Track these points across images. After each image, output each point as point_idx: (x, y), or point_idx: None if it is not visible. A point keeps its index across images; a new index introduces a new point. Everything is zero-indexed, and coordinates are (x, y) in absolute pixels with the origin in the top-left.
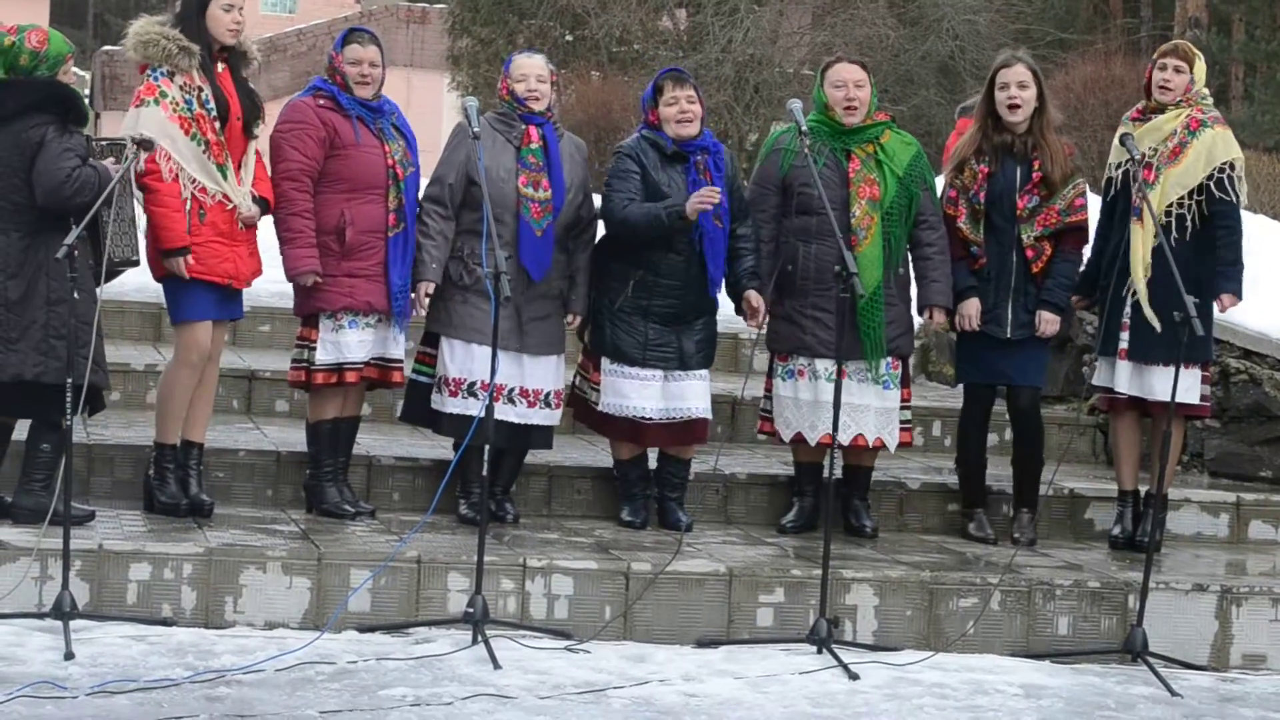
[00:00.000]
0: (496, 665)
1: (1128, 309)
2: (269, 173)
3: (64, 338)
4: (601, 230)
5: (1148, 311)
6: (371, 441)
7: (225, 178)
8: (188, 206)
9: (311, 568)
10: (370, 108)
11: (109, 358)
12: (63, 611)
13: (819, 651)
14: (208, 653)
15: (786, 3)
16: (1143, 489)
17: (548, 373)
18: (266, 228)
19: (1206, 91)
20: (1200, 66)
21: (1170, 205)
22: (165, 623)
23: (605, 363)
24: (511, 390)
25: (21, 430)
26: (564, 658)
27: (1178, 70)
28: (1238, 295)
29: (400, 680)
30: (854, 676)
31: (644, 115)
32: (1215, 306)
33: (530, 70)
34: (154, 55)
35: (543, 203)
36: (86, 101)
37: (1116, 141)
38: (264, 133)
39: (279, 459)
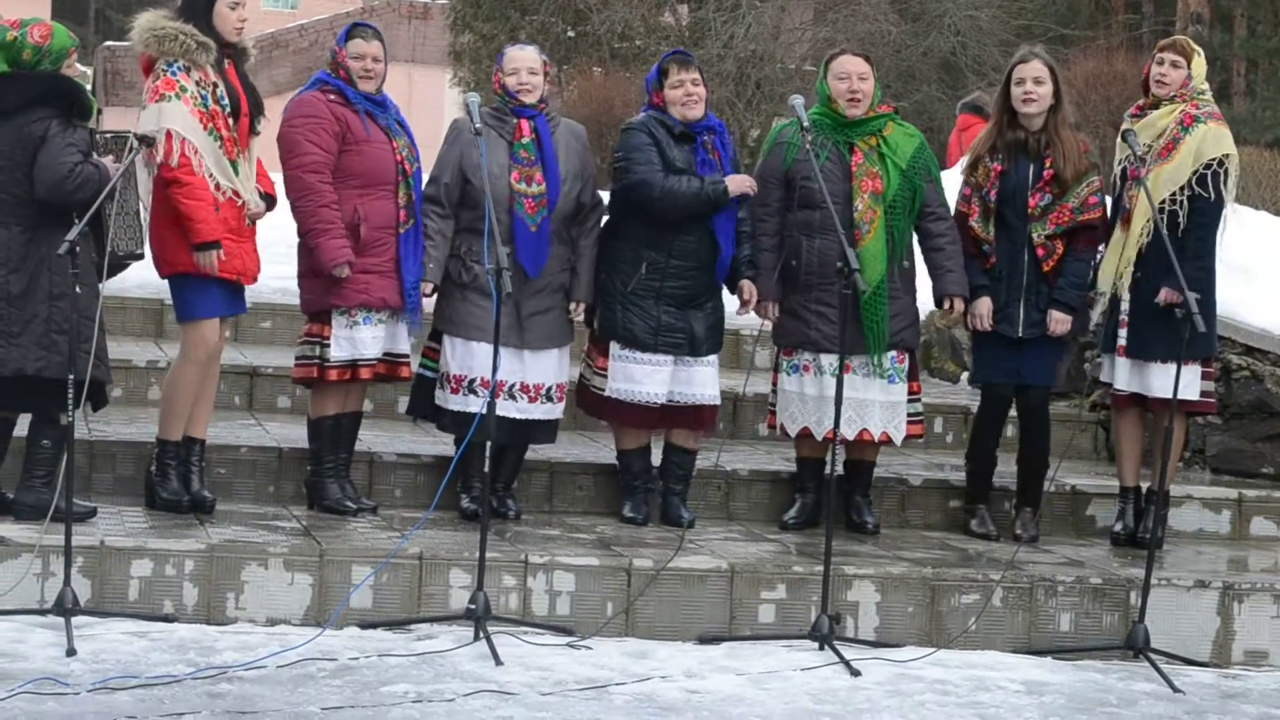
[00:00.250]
0: (498, 661)
1: (1125, 306)
2: (281, 166)
3: (66, 332)
4: (605, 217)
5: (1120, 302)
6: (373, 438)
7: (237, 173)
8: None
9: (313, 564)
10: (376, 102)
11: (111, 354)
12: (64, 608)
13: (821, 648)
14: (209, 649)
15: None
16: (1144, 485)
17: (549, 367)
18: (265, 226)
19: (1205, 87)
20: (1199, 62)
21: (1163, 202)
22: (167, 619)
23: (614, 348)
24: (512, 386)
25: (23, 426)
26: (566, 654)
27: (1174, 65)
28: (1180, 292)
29: (402, 677)
30: (856, 673)
31: (648, 97)
32: (1162, 295)
33: (521, 63)
34: (172, 50)
35: (536, 198)
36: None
37: (1119, 139)
38: (266, 128)
39: (281, 455)
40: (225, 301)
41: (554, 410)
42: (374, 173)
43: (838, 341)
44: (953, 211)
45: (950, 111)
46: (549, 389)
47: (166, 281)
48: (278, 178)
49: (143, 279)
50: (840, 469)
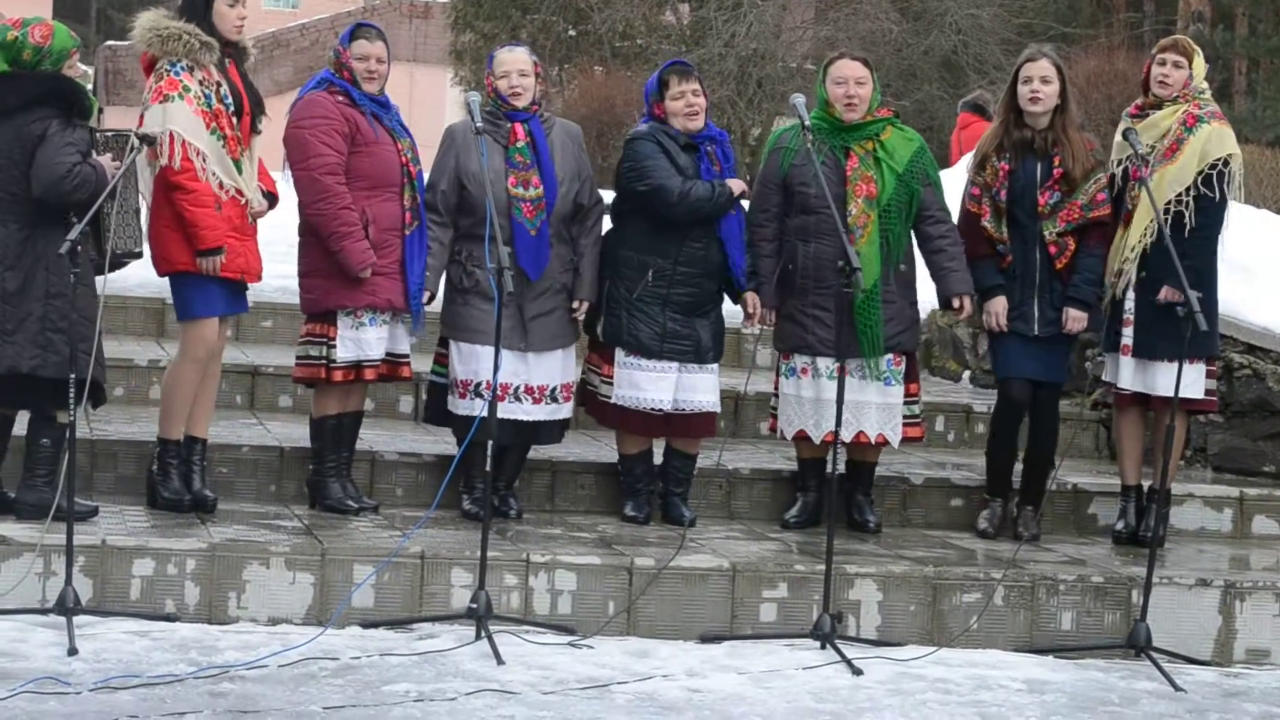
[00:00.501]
0: (500, 661)
1: (1129, 305)
2: (284, 167)
3: (62, 331)
4: (607, 222)
5: (1125, 301)
6: (375, 437)
7: (240, 172)
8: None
9: (315, 563)
10: (380, 103)
11: (112, 353)
12: (66, 607)
13: (822, 647)
14: (211, 648)
15: None
16: (1146, 484)
17: (554, 368)
18: (266, 225)
19: (1205, 86)
20: (1199, 62)
21: (1168, 203)
22: (168, 618)
23: (620, 355)
24: (517, 388)
25: (23, 426)
26: (567, 653)
27: (1176, 65)
28: (1181, 291)
29: (403, 676)
30: (857, 672)
31: (647, 108)
32: (1162, 293)
33: (511, 65)
34: (175, 49)
35: (534, 201)
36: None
37: (1120, 137)
38: (268, 128)
39: (282, 454)
40: (226, 300)
41: (559, 410)
42: (381, 174)
43: (833, 345)
44: (959, 210)
45: (951, 110)
46: (554, 390)
47: (167, 280)
48: (277, 177)
49: (143, 278)
50: (841, 468)
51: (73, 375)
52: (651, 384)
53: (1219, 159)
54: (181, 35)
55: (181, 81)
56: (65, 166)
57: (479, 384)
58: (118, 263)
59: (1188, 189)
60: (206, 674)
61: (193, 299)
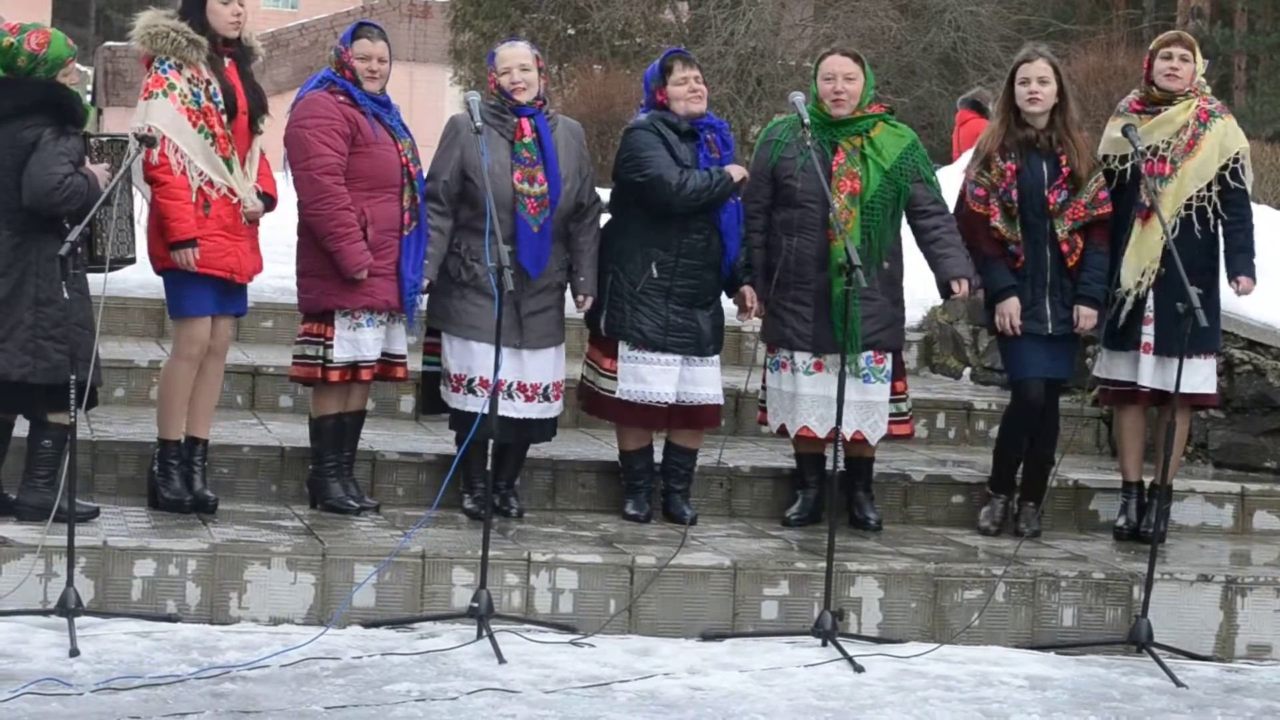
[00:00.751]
0: (501, 660)
1: (1150, 303)
2: (287, 167)
3: (53, 338)
4: (604, 216)
5: (1145, 299)
6: (375, 436)
7: (231, 171)
8: (193, 199)
9: (316, 563)
10: (381, 103)
11: (112, 354)
12: (67, 608)
13: (824, 644)
14: (212, 649)
15: None
16: (1147, 480)
17: (546, 365)
18: (265, 225)
19: (1204, 80)
20: (1198, 57)
21: (1190, 199)
22: (170, 619)
23: (623, 348)
24: (510, 385)
25: (23, 427)
26: (569, 652)
27: (1183, 59)
28: (1253, 279)
29: (405, 675)
30: (859, 669)
31: (647, 95)
32: (1234, 288)
33: (512, 61)
34: (163, 47)
35: (539, 198)
36: (90, 99)
37: (1118, 133)
38: (269, 128)
39: (283, 454)
40: (217, 300)
41: (551, 409)
42: (381, 175)
43: (811, 340)
44: (961, 208)
45: (951, 107)
46: (546, 388)
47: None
48: (279, 176)
49: (143, 279)
50: (841, 465)
51: (73, 377)
52: (656, 377)
53: (1237, 152)
54: (169, 33)
55: (168, 79)
56: (57, 178)
57: (472, 380)
58: (110, 268)
59: (1209, 184)
60: (208, 674)
61: (182, 297)
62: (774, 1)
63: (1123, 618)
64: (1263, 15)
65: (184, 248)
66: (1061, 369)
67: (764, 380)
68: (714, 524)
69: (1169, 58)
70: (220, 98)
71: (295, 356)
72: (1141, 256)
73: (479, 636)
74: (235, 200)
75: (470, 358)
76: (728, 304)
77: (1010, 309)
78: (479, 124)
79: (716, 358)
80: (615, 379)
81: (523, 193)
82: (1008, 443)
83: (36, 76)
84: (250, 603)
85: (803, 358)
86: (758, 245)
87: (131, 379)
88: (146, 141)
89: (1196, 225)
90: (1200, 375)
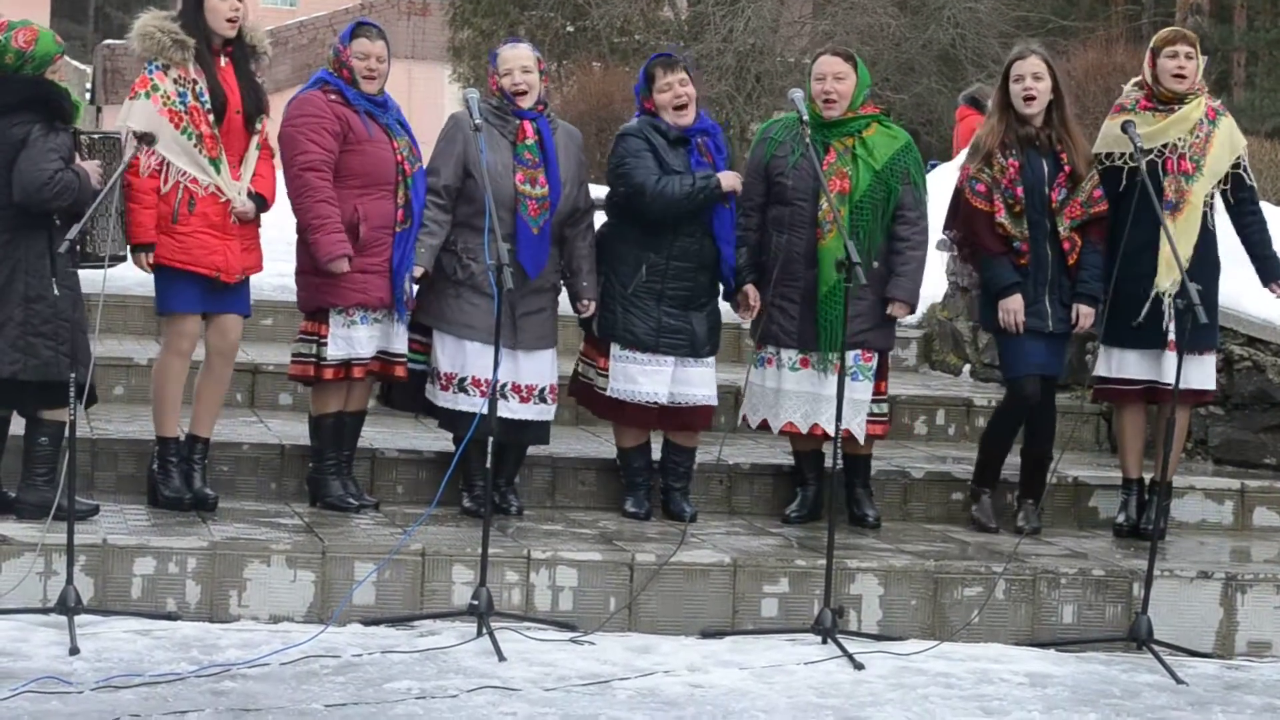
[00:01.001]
0: (501, 657)
1: (1167, 302)
2: (281, 166)
3: (43, 335)
4: (600, 218)
5: (1165, 297)
6: (375, 434)
7: (219, 171)
8: (177, 197)
9: (316, 561)
10: (376, 103)
11: (112, 352)
12: (67, 606)
13: (824, 641)
14: (212, 647)
15: None
16: (1146, 476)
17: (542, 368)
18: (265, 225)
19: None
20: (1199, 53)
21: (1208, 195)
22: (170, 617)
23: (615, 349)
24: (504, 386)
25: (21, 425)
26: (569, 649)
27: (1188, 56)
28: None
29: (405, 673)
30: (859, 666)
31: (639, 105)
32: (1275, 292)
33: (514, 62)
34: (150, 49)
35: (540, 200)
36: (89, 97)
37: (1116, 130)
38: (269, 128)
39: (283, 452)
40: (203, 296)
41: (546, 411)
42: (374, 173)
43: (796, 337)
44: (962, 205)
45: (950, 104)
46: (541, 390)
47: None
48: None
49: (143, 277)
50: (840, 463)
51: (73, 375)
52: (647, 378)
53: (1242, 148)
54: (155, 34)
55: (152, 80)
56: (47, 173)
57: (464, 379)
58: (101, 265)
59: (1220, 181)
60: (208, 672)
61: (167, 293)
62: None
63: (1123, 615)
64: (1262, 11)
65: (139, 251)
66: (1056, 366)
67: (747, 375)
68: (714, 521)
69: (1174, 56)
70: (207, 97)
71: (292, 355)
72: (1169, 256)
73: (479, 634)
74: (224, 199)
75: (464, 357)
76: (725, 304)
77: (1015, 305)
78: (478, 121)
79: (712, 359)
80: (608, 377)
81: (524, 194)
82: (998, 437)
83: (24, 74)
84: (250, 601)
85: (789, 354)
86: (751, 244)
87: (131, 377)
88: (145, 139)
89: (1213, 221)
90: (1204, 370)
